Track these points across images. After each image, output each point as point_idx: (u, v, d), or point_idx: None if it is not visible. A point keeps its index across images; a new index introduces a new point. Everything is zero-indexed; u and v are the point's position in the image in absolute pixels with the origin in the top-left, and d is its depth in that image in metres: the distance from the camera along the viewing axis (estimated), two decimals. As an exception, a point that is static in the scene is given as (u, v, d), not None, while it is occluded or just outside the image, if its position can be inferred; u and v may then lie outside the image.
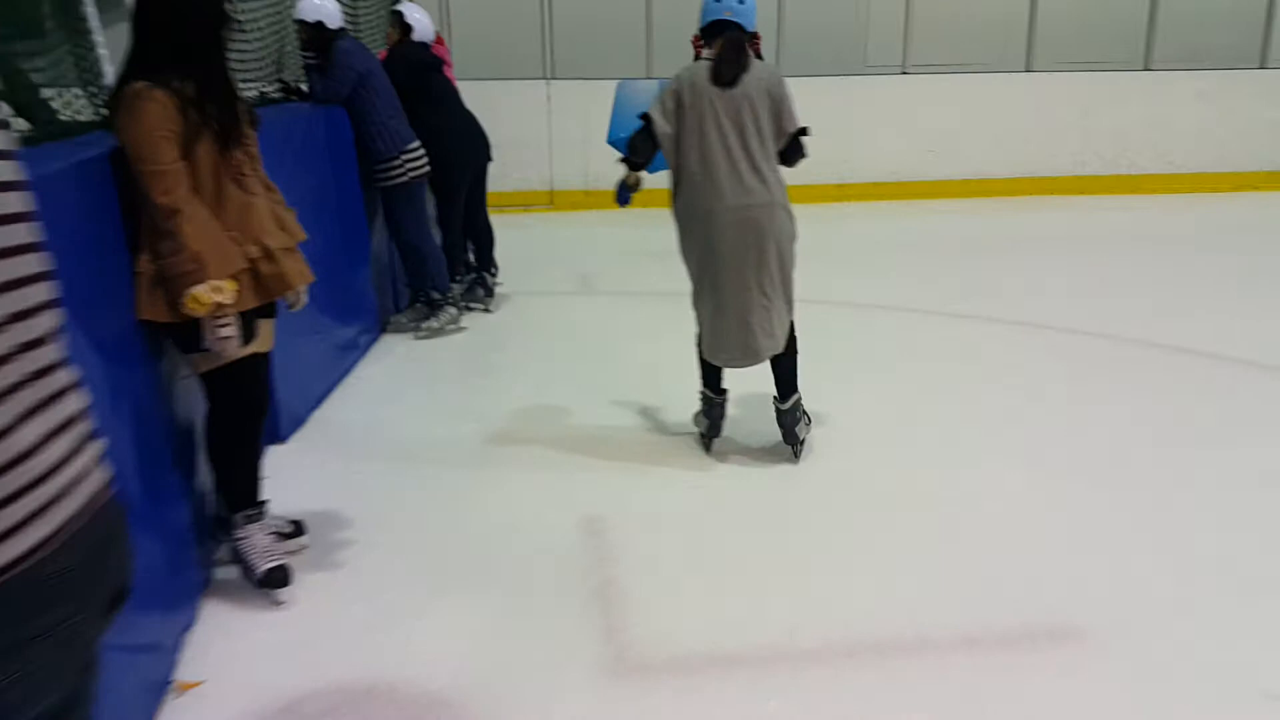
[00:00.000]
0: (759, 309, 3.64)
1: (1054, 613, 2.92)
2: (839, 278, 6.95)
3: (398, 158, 5.27)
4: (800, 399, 3.87)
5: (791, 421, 3.86)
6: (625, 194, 3.85)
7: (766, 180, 3.57)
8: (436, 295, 5.63)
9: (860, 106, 9.96)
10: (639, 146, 3.68)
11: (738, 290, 3.62)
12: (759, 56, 8.88)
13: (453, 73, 6.44)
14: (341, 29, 5.19)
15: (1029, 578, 3.10)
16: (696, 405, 4.10)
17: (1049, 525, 3.43)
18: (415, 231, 5.48)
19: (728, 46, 3.55)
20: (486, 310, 6.18)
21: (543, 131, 9.82)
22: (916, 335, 5.68)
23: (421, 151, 5.42)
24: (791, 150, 3.65)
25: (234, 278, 2.72)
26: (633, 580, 3.12)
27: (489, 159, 6.12)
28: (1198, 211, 9.57)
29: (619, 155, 3.79)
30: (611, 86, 6.83)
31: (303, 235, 3.05)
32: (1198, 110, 10.24)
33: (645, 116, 3.63)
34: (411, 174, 5.36)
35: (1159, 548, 3.28)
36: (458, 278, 6.10)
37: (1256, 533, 3.37)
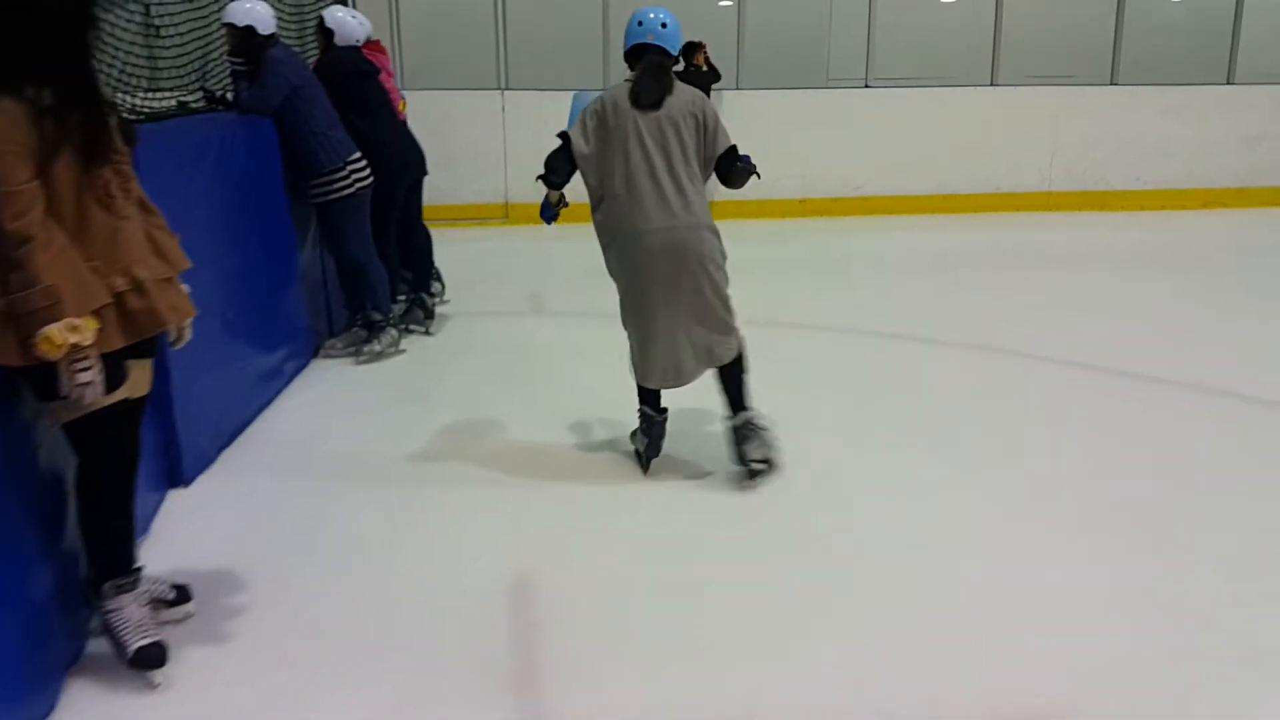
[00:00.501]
0: (688, 331, 3.59)
1: (1030, 697, 2.61)
2: (797, 298, 6.69)
3: (343, 168, 4.93)
4: (753, 415, 3.71)
5: (741, 439, 3.70)
6: (551, 212, 3.74)
7: (691, 202, 3.53)
8: (377, 316, 5.27)
9: (822, 120, 9.74)
10: (557, 166, 3.59)
11: (667, 315, 3.58)
12: (710, 64, 8.61)
13: (393, 81, 6.10)
14: (273, 35, 4.82)
15: (1002, 645, 2.79)
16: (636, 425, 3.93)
17: (1024, 581, 3.13)
18: (360, 247, 5.13)
19: (648, 71, 3.53)
20: (427, 333, 5.83)
21: (497, 143, 9.52)
22: (874, 360, 5.38)
23: (365, 162, 5.09)
24: (732, 171, 3.61)
25: (96, 315, 2.36)
26: (559, 655, 2.77)
27: (424, 172, 5.78)
28: (1167, 229, 9.40)
29: (537, 174, 3.67)
30: (568, 98, 6.53)
31: (185, 264, 2.69)
32: (1166, 126, 10.09)
33: (564, 135, 3.57)
34: (358, 185, 5.02)
35: (1146, 610, 2.99)
36: (398, 298, 5.75)
37: (1256, 590, 3.09)
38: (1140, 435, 4.30)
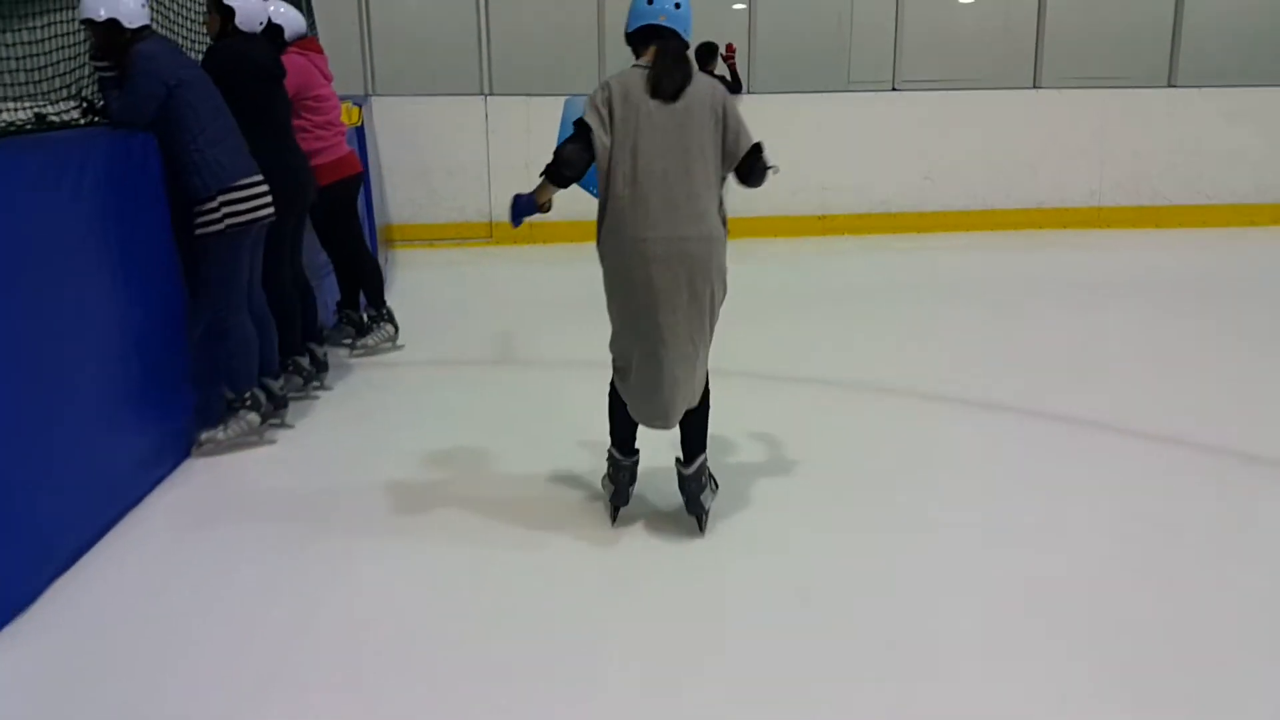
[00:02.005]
0: (686, 362, 3.18)
1: None
2: (815, 342, 5.67)
3: (213, 198, 3.82)
4: (706, 460, 3.34)
5: (697, 488, 3.32)
6: (528, 212, 3.27)
7: (706, 211, 3.13)
8: (229, 394, 4.03)
9: (844, 128, 8.78)
10: (574, 157, 3.15)
11: (670, 338, 3.14)
12: (734, 72, 7.83)
13: (331, 86, 5.09)
14: (145, 28, 3.81)
15: None
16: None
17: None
18: (222, 301, 3.94)
19: (668, 55, 3.13)
20: (321, 386, 4.76)
21: (480, 154, 8.60)
22: (906, 430, 4.31)
23: (253, 191, 3.94)
24: (754, 170, 3.24)
25: None
26: None
27: (313, 200, 4.70)
28: (1233, 250, 8.38)
29: (542, 170, 3.21)
30: (559, 103, 5.63)
31: None
32: (1230, 132, 9.01)
33: (582, 123, 3.13)
34: (230, 223, 3.85)
35: None
36: (289, 364, 4.56)
37: None
38: (1195, 530, 3.31)
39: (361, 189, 5.50)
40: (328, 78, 5.03)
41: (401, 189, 8.45)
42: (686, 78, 3.11)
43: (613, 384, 3.34)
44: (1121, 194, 9.18)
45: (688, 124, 3.09)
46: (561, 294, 6.76)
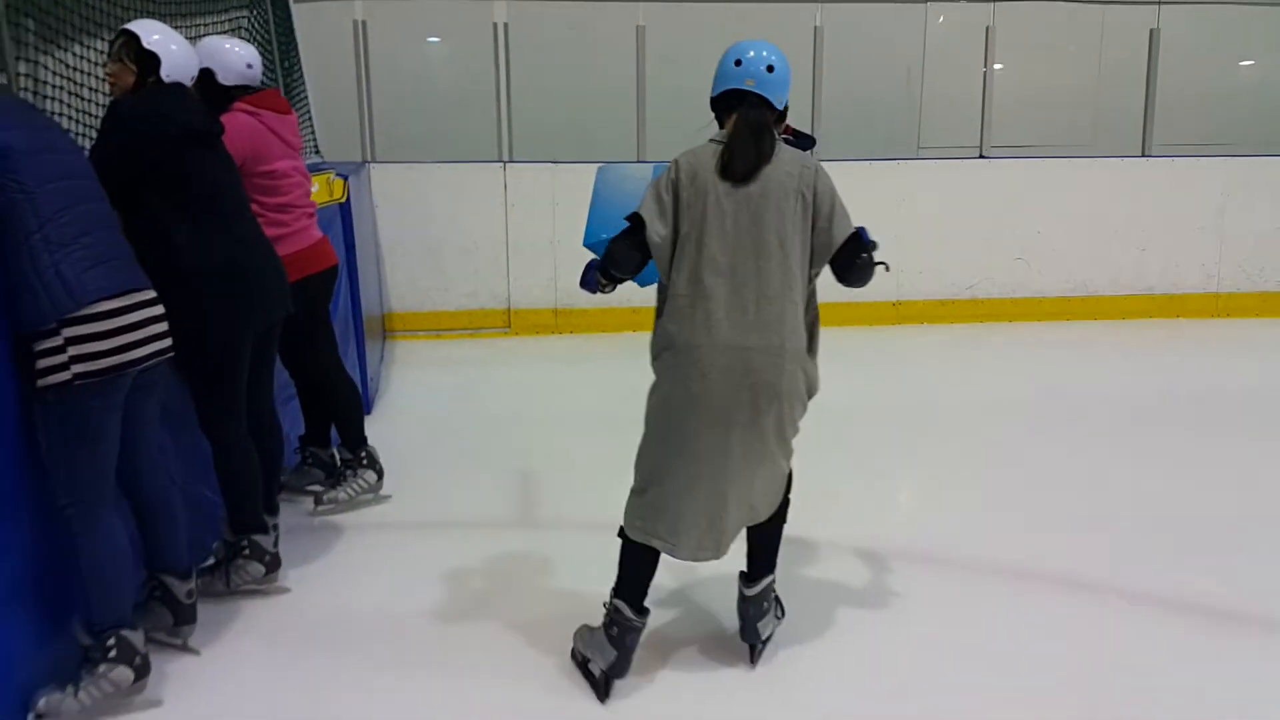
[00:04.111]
0: (740, 485, 2.75)
1: None
2: (887, 494, 4.36)
3: (54, 331, 2.47)
4: (774, 582, 2.97)
5: (757, 613, 2.94)
6: (595, 282, 2.91)
7: (782, 316, 2.68)
8: (85, 640, 2.62)
9: (923, 201, 7.55)
10: (622, 257, 2.78)
11: (722, 460, 2.71)
12: (804, 139, 6.52)
13: (300, 155, 3.84)
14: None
15: None
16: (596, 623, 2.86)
17: None
18: (68, 490, 2.55)
19: (743, 128, 2.73)
20: (272, 583, 3.31)
21: (498, 231, 7.41)
22: (1023, 632, 2.97)
23: (125, 321, 2.56)
24: (854, 269, 2.74)
25: None
26: None
27: (286, 311, 3.38)
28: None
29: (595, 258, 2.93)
30: (589, 172, 4.50)
31: None
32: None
33: (635, 217, 2.75)
34: (81, 368, 2.48)
35: None
36: (245, 546, 3.24)
37: None
38: None
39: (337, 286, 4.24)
40: (293, 145, 3.76)
41: (404, 270, 7.27)
42: (764, 155, 2.72)
43: (630, 521, 2.81)
44: (1243, 278, 7.90)
45: (763, 211, 2.69)
46: (592, 405, 5.54)
